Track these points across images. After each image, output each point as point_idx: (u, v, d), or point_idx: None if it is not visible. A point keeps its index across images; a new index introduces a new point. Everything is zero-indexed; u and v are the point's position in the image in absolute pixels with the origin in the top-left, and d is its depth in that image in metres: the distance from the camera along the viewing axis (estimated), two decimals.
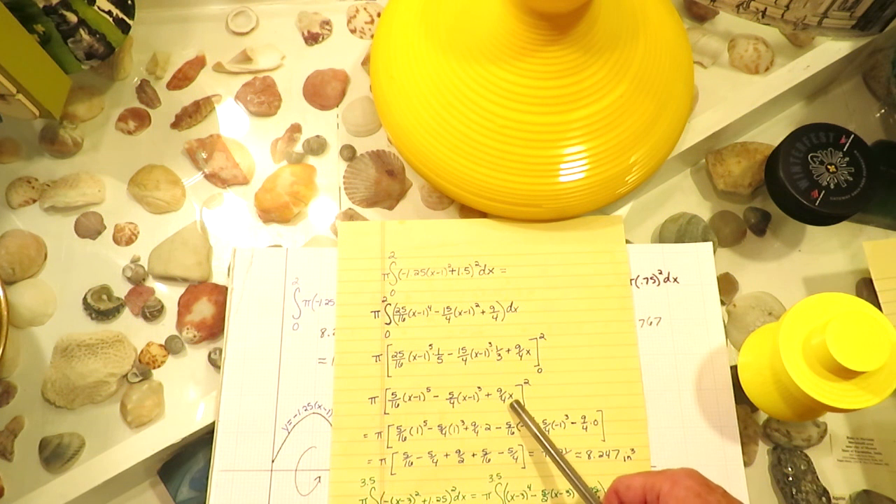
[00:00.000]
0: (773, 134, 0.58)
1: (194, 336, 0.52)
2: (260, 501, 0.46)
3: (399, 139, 0.53)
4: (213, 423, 0.48)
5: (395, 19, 0.54)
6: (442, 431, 0.48)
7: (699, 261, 0.52)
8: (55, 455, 0.49)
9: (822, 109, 0.59)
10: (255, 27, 0.61)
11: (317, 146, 0.57)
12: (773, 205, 0.53)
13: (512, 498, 0.47)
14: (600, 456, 0.48)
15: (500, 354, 0.50)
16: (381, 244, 0.52)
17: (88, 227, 0.55)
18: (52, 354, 0.52)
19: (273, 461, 0.47)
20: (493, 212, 0.52)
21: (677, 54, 0.53)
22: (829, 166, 0.50)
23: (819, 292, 0.43)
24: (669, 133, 0.52)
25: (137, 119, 0.58)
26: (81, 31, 0.52)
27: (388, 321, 0.50)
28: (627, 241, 0.53)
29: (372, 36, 0.61)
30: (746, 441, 0.50)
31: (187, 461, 0.48)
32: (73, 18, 0.51)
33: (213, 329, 0.52)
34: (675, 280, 0.51)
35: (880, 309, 0.49)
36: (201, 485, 0.48)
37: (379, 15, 0.61)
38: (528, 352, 0.50)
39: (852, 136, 0.51)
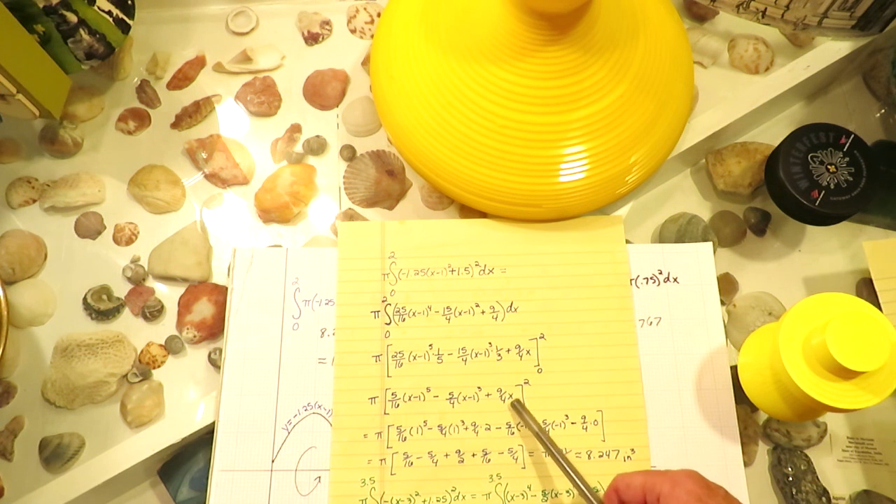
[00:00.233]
0: (773, 134, 0.58)
1: (194, 336, 0.52)
2: (260, 501, 0.46)
3: (399, 139, 0.53)
4: (213, 423, 0.48)
5: (395, 19, 0.54)
6: (442, 431, 0.48)
7: (699, 261, 0.52)
8: (55, 455, 0.49)
9: (822, 109, 0.59)
10: (255, 27, 0.61)
11: (317, 146, 0.57)
12: (773, 205, 0.53)
13: (512, 498, 0.47)
14: (600, 456, 0.48)
15: (500, 354, 0.50)
16: (381, 244, 0.52)
17: (88, 227, 0.55)
18: (52, 354, 0.52)
19: (273, 461, 0.47)
20: (493, 212, 0.52)
21: (677, 54, 0.53)
22: (829, 166, 0.50)
23: (819, 292, 0.43)
24: (669, 133, 0.52)
25: (137, 119, 0.58)
26: (81, 31, 0.52)
27: (388, 321, 0.50)
28: (627, 241, 0.53)
29: (372, 36, 0.61)
30: (746, 441, 0.50)
31: (187, 461, 0.48)
32: (73, 18, 0.51)
33: (213, 329, 0.52)
34: (675, 280, 0.51)
35: (880, 309, 0.49)
36: (201, 485, 0.48)
37: (379, 15, 0.61)
38: (528, 352, 0.50)
39: (852, 136, 0.51)
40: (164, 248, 0.54)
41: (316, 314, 0.50)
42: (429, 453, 0.48)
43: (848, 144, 0.51)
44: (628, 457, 0.48)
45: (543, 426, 0.48)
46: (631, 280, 0.51)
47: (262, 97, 0.58)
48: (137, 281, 0.54)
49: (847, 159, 0.51)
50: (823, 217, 0.50)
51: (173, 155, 0.57)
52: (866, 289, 0.54)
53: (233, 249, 0.52)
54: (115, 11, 0.53)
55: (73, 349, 0.51)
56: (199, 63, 0.60)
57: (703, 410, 0.49)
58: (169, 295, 0.54)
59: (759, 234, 0.56)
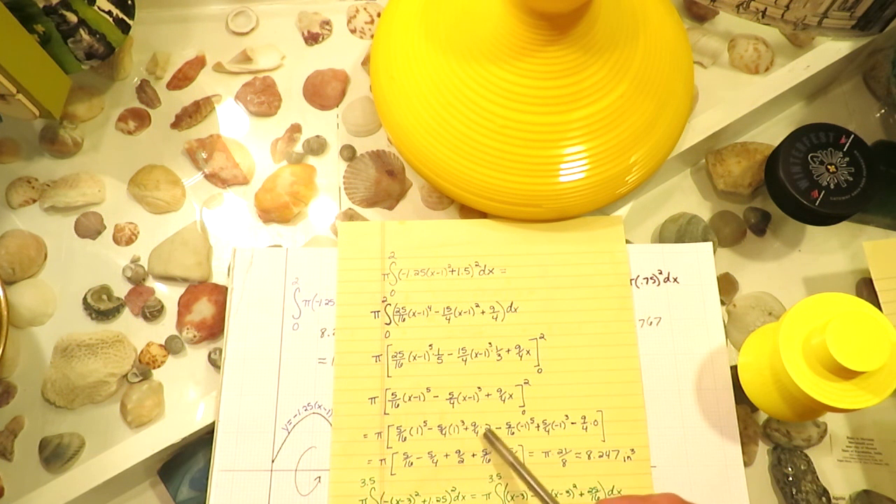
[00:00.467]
0: (773, 134, 0.58)
1: (194, 336, 0.52)
2: (260, 501, 0.46)
3: (399, 139, 0.53)
4: (213, 423, 0.48)
5: (395, 19, 0.54)
6: (442, 432, 0.48)
7: (699, 261, 0.52)
8: (55, 455, 0.49)
9: (822, 109, 0.59)
10: (255, 27, 0.61)
11: (317, 146, 0.57)
12: (773, 205, 0.53)
13: (512, 498, 0.47)
14: (600, 456, 0.48)
15: (500, 354, 0.50)
16: (381, 244, 0.52)
17: (88, 227, 0.55)
18: (52, 354, 0.52)
19: (273, 461, 0.47)
20: (493, 212, 0.52)
21: (677, 54, 0.53)
22: (829, 166, 0.50)
23: (819, 292, 0.43)
24: (669, 133, 0.52)
25: (137, 119, 0.58)
26: (81, 31, 0.52)
27: (388, 321, 0.50)
28: (627, 241, 0.53)
29: (372, 36, 0.61)
30: (746, 441, 0.50)
31: (187, 461, 0.48)
32: (73, 18, 0.51)
33: (213, 329, 0.52)
34: (675, 280, 0.51)
35: (880, 309, 0.49)
36: (201, 485, 0.48)
37: (379, 15, 0.61)
38: (528, 352, 0.50)
39: (852, 136, 0.51)
40: (164, 248, 0.54)
41: (316, 314, 0.50)
42: (429, 453, 0.48)
43: (848, 144, 0.51)
44: (628, 457, 0.48)
45: (515, 453, 0.47)
46: (631, 280, 0.51)
47: (262, 97, 0.58)
48: (137, 281, 0.54)
49: (847, 159, 0.51)
50: (823, 217, 0.50)
51: (173, 155, 0.57)
52: (866, 289, 0.54)
53: (233, 249, 0.52)
54: (115, 11, 0.53)
55: (73, 349, 0.51)
56: (199, 63, 0.60)
57: (703, 410, 0.49)
58: (169, 295, 0.54)
59: (759, 234, 0.56)
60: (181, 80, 0.59)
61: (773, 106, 0.56)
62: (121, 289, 0.54)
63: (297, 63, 0.60)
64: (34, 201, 0.56)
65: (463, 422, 0.48)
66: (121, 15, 0.54)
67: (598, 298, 0.51)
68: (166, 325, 0.53)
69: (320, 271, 0.51)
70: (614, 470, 0.47)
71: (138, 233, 0.55)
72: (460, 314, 0.51)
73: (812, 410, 0.43)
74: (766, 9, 0.55)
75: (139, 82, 0.59)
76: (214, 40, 0.61)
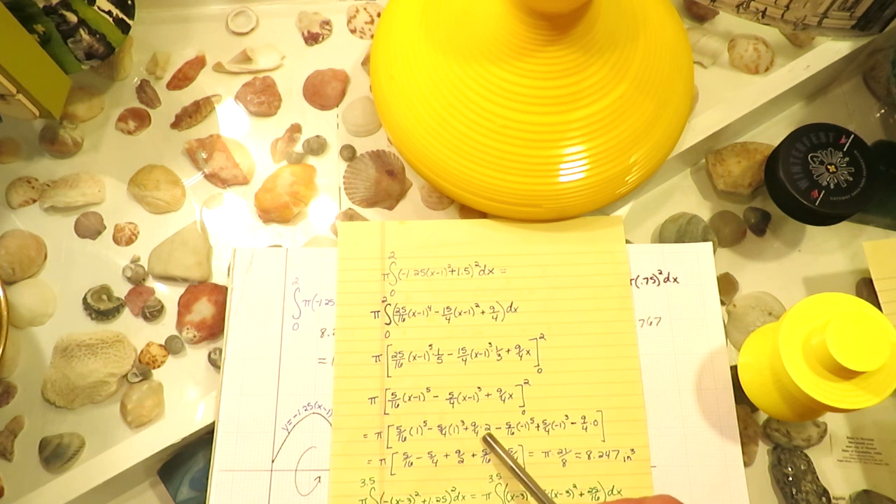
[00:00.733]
0: (773, 134, 0.58)
1: (194, 336, 0.52)
2: (260, 501, 0.46)
3: (399, 139, 0.53)
4: (213, 423, 0.48)
5: (395, 19, 0.54)
6: (442, 432, 0.48)
7: (699, 261, 0.52)
8: (55, 455, 0.49)
9: (822, 109, 0.59)
10: (255, 27, 0.61)
11: (317, 146, 0.57)
12: (773, 205, 0.53)
13: (512, 498, 0.47)
14: (600, 456, 0.48)
15: (500, 354, 0.50)
16: (381, 244, 0.52)
17: (88, 227, 0.55)
18: (52, 354, 0.52)
19: (273, 461, 0.47)
20: (493, 212, 0.52)
21: (677, 54, 0.53)
22: (829, 166, 0.51)
23: (819, 292, 0.43)
24: (669, 133, 0.52)
25: (137, 119, 0.58)
26: (81, 31, 0.52)
27: (388, 321, 0.50)
28: (627, 241, 0.53)
29: (372, 36, 0.61)
30: (746, 441, 0.50)
31: (187, 461, 0.48)
32: (73, 18, 0.51)
33: (213, 329, 0.52)
34: (675, 280, 0.51)
35: (880, 309, 0.49)
36: (201, 485, 0.48)
37: (379, 15, 0.61)
38: (528, 352, 0.50)
39: (852, 136, 0.51)
40: (164, 248, 0.54)
41: (316, 314, 0.50)
42: (429, 453, 0.48)
43: (848, 144, 0.51)
44: (628, 457, 0.48)
45: (515, 456, 0.47)
46: (631, 280, 0.51)
47: (262, 97, 0.58)
48: (137, 281, 0.54)
49: (847, 159, 0.51)
50: (823, 217, 0.50)
51: (173, 155, 0.57)
52: (866, 289, 0.54)
53: (233, 249, 0.52)
54: (115, 11, 0.53)
55: (73, 349, 0.51)
56: (199, 63, 0.60)
57: (703, 410, 0.49)
58: (169, 295, 0.54)
59: (759, 234, 0.56)
60: (181, 80, 0.59)
61: (773, 106, 0.56)
62: (121, 289, 0.54)
63: (297, 63, 0.60)
64: (34, 201, 0.56)
65: (463, 422, 0.48)
66: (121, 15, 0.54)
67: (598, 298, 0.51)
68: (166, 325, 0.53)
69: (320, 271, 0.51)
70: (614, 470, 0.47)
71: (138, 233, 0.55)
72: (460, 314, 0.51)
73: (812, 410, 0.43)
74: (766, 9, 0.55)
75: (139, 82, 0.59)
76: (214, 40, 0.61)
